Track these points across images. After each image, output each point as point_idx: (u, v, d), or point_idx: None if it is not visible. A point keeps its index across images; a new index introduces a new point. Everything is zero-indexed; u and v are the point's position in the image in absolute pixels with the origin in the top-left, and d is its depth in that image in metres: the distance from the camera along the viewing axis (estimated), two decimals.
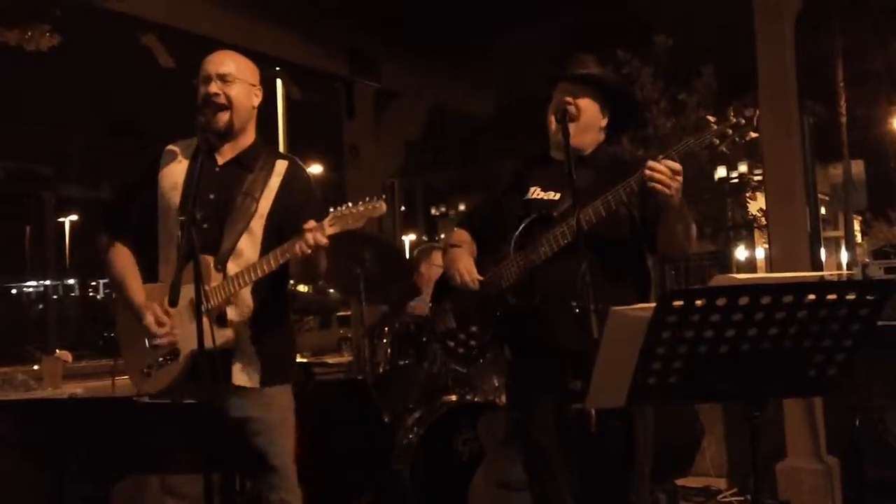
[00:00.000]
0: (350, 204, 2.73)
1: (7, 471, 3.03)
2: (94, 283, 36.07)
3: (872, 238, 23.77)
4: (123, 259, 2.94)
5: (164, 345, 2.78)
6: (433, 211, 38.80)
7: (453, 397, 4.31)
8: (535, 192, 3.00)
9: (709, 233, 18.36)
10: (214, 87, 2.83)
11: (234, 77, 2.86)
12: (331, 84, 7.22)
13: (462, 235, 3.17)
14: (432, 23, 6.56)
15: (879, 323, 1.99)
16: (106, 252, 2.97)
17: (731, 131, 2.62)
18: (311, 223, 2.67)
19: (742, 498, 4.99)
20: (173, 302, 2.46)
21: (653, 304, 1.90)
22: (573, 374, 2.71)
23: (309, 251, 2.66)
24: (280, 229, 2.85)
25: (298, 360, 4.32)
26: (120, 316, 2.94)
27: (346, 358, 7.57)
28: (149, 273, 2.92)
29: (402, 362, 4.54)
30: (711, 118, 2.69)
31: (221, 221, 2.83)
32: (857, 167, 12.92)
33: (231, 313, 2.80)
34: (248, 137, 2.96)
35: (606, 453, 2.75)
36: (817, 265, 5.21)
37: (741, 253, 27.15)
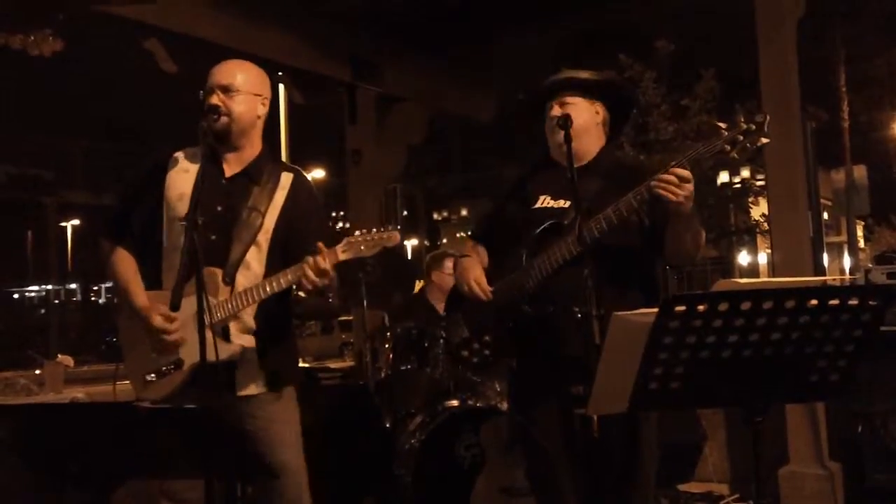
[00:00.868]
0: (364, 230, 2.74)
1: (8, 475, 3.02)
2: (95, 288, 36.00)
3: (875, 243, 23.71)
4: (126, 264, 2.93)
5: (171, 344, 2.76)
6: (435, 216, 38.73)
7: (455, 402, 4.30)
8: (545, 201, 3.00)
9: (712, 238, 18.33)
10: (215, 99, 2.83)
11: (237, 88, 2.86)
12: (333, 89, 7.21)
13: (472, 246, 3.18)
14: (435, 28, 6.56)
15: (882, 328, 1.98)
16: (108, 257, 2.96)
17: (741, 137, 2.57)
18: (322, 249, 2.66)
19: None
20: (175, 306, 2.45)
21: (655, 309, 1.89)
22: (576, 380, 2.70)
23: (317, 280, 2.66)
24: (284, 244, 2.87)
25: (300, 364, 4.31)
26: (122, 321, 2.94)
27: (347, 363, 7.57)
28: (150, 281, 2.90)
29: (403, 367, 4.53)
30: (722, 124, 2.63)
31: (228, 234, 2.83)
32: (860, 172, 12.92)
33: (234, 328, 2.80)
34: (255, 148, 2.95)
35: (610, 459, 2.75)
36: (820, 270, 5.19)
37: (744, 258, 27.17)
